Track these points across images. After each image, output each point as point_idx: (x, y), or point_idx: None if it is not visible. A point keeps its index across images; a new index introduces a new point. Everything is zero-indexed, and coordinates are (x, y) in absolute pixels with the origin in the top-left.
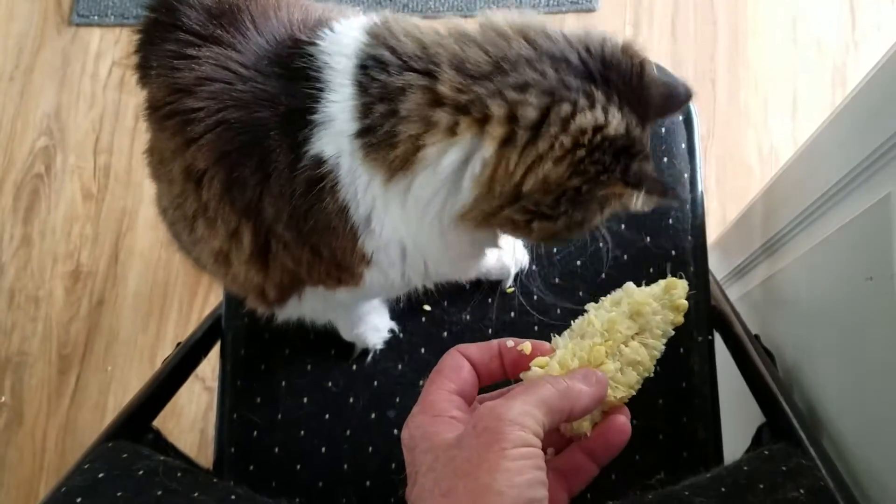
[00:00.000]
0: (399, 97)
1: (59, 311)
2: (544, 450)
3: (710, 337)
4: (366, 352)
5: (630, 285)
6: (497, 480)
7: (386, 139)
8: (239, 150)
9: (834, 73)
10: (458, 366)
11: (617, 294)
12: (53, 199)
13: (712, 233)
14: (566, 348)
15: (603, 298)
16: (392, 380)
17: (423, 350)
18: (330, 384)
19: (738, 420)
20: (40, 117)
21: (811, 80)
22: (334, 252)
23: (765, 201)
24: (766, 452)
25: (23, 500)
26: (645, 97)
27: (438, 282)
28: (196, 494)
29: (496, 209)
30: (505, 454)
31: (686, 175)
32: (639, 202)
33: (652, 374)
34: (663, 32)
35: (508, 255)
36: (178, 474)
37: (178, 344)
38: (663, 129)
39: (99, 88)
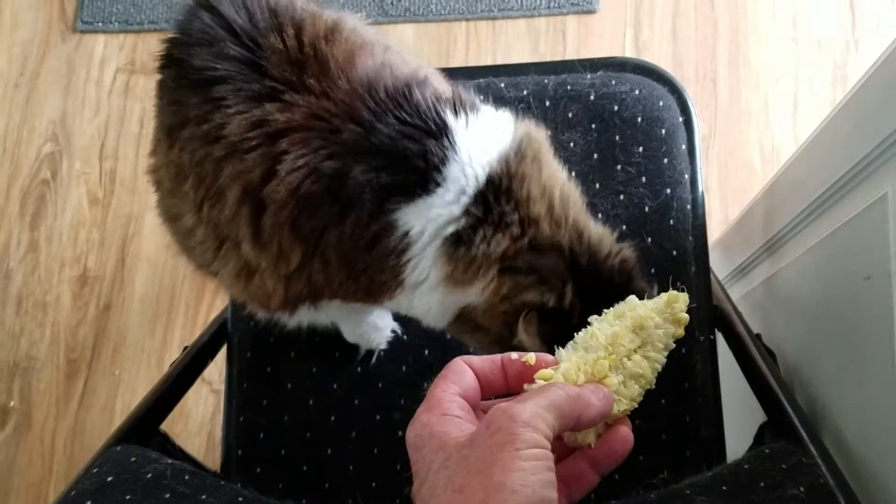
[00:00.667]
0: (495, 235)
1: (66, 316)
2: None
3: (711, 337)
4: (370, 354)
5: (633, 298)
6: (511, 479)
7: (464, 260)
8: (324, 193)
9: (835, 71)
10: (462, 371)
11: (620, 307)
12: (60, 205)
13: (715, 232)
14: (570, 361)
15: (606, 311)
16: (396, 382)
17: (426, 352)
18: (335, 386)
19: (741, 419)
20: (46, 124)
21: (812, 78)
22: (370, 286)
23: (765, 200)
24: (767, 451)
25: (32, 503)
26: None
27: None
28: (204, 497)
29: (460, 326)
30: (519, 454)
31: (686, 176)
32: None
33: (653, 387)
34: (664, 33)
35: None
36: (186, 477)
37: (185, 348)
38: (664, 131)
39: (104, 95)
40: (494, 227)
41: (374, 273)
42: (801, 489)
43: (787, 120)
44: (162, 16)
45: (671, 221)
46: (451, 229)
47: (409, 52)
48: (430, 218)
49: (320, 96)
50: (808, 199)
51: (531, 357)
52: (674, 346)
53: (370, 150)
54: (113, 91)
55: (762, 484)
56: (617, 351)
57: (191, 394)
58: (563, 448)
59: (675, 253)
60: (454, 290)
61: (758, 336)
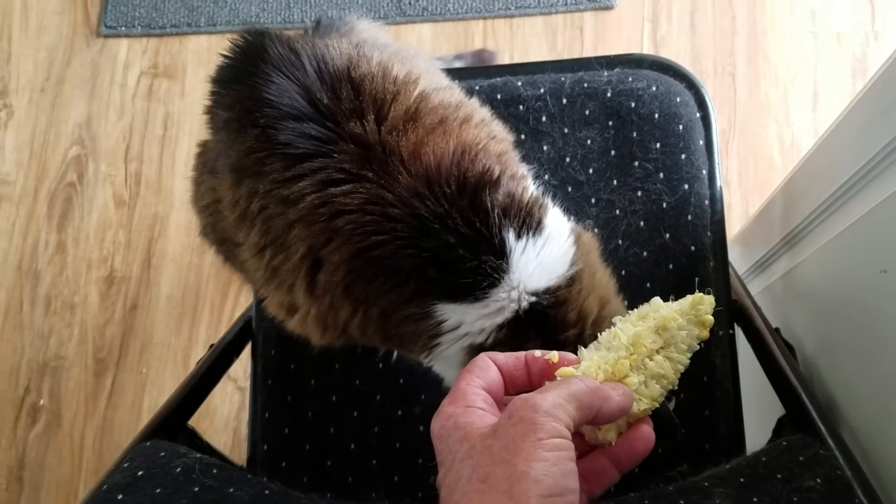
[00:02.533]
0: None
1: (94, 316)
2: None
3: (731, 331)
4: (390, 350)
5: (657, 300)
6: (534, 468)
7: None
8: (378, 266)
9: (854, 64)
10: (486, 366)
11: (644, 308)
12: (86, 207)
13: (736, 226)
14: (591, 360)
15: (630, 312)
16: (417, 378)
17: None
18: (357, 382)
19: (760, 412)
20: (72, 127)
21: (831, 71)
22: (401, 346)
23: (784, 195)
24: (785, 443)
25: (62, 500)
26: None
27: None
28: (231, 490)
29: None
30: (541, 444)
31: (704, 171)
32: None
33: (675, 388)
34: (682, 28)
35: None
36: (214, 471)
37: (211, 346)
38: (681, 127)
39: (128, 98)
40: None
41: (406, 342)
42: (819, 481)
43: (806, 113)
44: (184, 20)
45: (689, 217)
46: (478, 340)
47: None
48: (465, 321)
49: (379, 187)
50: (826, 193)
51: (554, 355)
52: (697, 347)
53: (423, 244)
54: (137, 94)
55: (780, 475)
56: (638, 351)
57: (217, 391)
58: (583, 445)
59: (693, 248)
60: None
61: (777, 330)
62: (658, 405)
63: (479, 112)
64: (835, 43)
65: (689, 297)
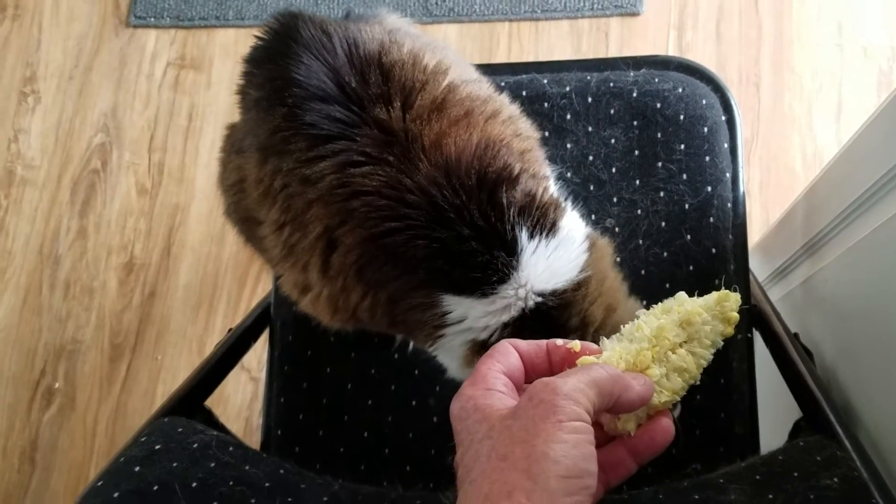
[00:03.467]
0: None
1: (112, 302)
2: None
3: (749, 335)
4: (407, 341)
5: (682, 294)
6: (554, 449)
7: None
8: (387, 252)
9: (880, 77)
10: (507, 352)
11: (668, 302)
12: (109, 194)
13: (755, 236)
14: (613, 350)
15: (654, 306)
16: (431, 369)
17: None
18: (373, 371)
19: (776, 417)
20: (98, 115)
21: (856, 84)
22: (407, 332)
23: (806, 202)
24: (802, 444)
25: (73, 482)
26: None
27: None
28: (247, 468)
29: None
30: (561, 426)
31: (728, 174)
32: None
33: (698, 382)
34: (708, 36)
35: None
36: (230, 448)
37: (230, 330)
38: (706, 129)
39: (154, 88)
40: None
41: (412, 329)
42: (835, 480)
43: (830, 125)
44: (212, 12)
45: (711, 219)
46: (482, 336)
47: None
48: (469, 315)
49: (398, 172)
50: (849, 199)
51: (576, 344)
52: (721, 344)
53: (436, 234)
54: (163, 85)
55: (796, 474)
56: (661, 344)
57: (230, 380)
58: (603, 435)
59: (714, 251)
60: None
61: (795, 335)
62: (678, 399)
63: (508, 108)
64: (861, 56)
65: (714, 294)
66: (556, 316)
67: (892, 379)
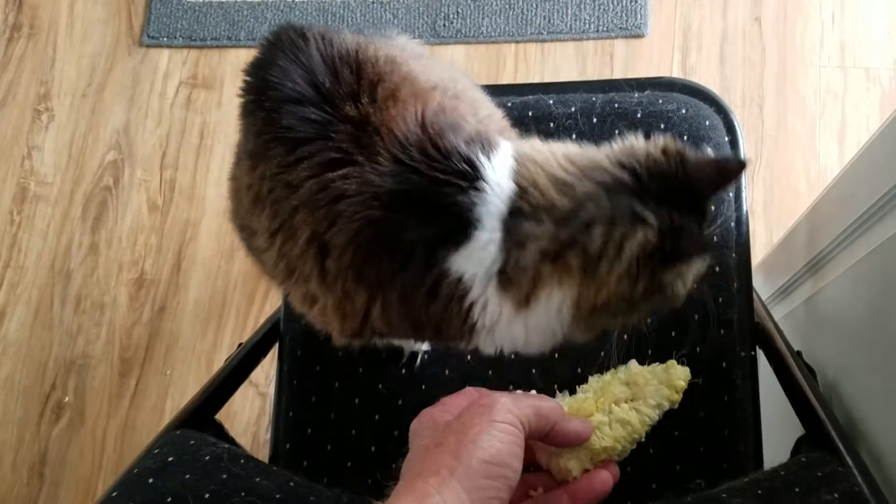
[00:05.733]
0: (525, 246)
1: (122, 317)
2: (534, 488)
3: (752, 353)
4: (414, 356)
5: (633, 362)
6: (482, 439)
7: (516, 281)
8: (380, 241)
9: (882, 98)
10: (471, 394)
11: (620, 368)
12: (120, 211)
13: (758, 256)
14: (562, 399)
15: (607, 372)
16: (439, 384)
17: (468, 357)
18: (380, 386)
19: (779, 433)
20: (110, 133)
21: (860, 106)
22: (440, 334)
23: (809, 221)
24: (804, 459)
25: (81, 497)
26: (693, 185)
27: None
28: (258, 480)
29: (594, 320)
30: (494, 424)
31: (731, 194)
32: (694, 268)
33: (643, 439)
34: (711, 58)
35: None
36: (242, 461)
37: (240, 344)
38: (709, 149)
39: (166, 106)
40: (523, 239)
41: (441, 321)
42: (836, 496)
43: (833, 147)
44: (224, 33)
45: (714, 238)
46: (496, 267)
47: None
48: (477, 260)
49: (366, 170)
50: (851, 218)
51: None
52: (667, 407)
53: (412, 207)
54: (175, 103)
55: (797, 489)
56: (605, 396)
57: (238, 395)
58: (551, 482)
59: (717, 269)
60: (534, 311)
61: (798, 353)
62: (620, 448)
63: (480, 96)
64: (863, 78)
65: (664, 364)
66: (527, 199)
67: (894, 396)
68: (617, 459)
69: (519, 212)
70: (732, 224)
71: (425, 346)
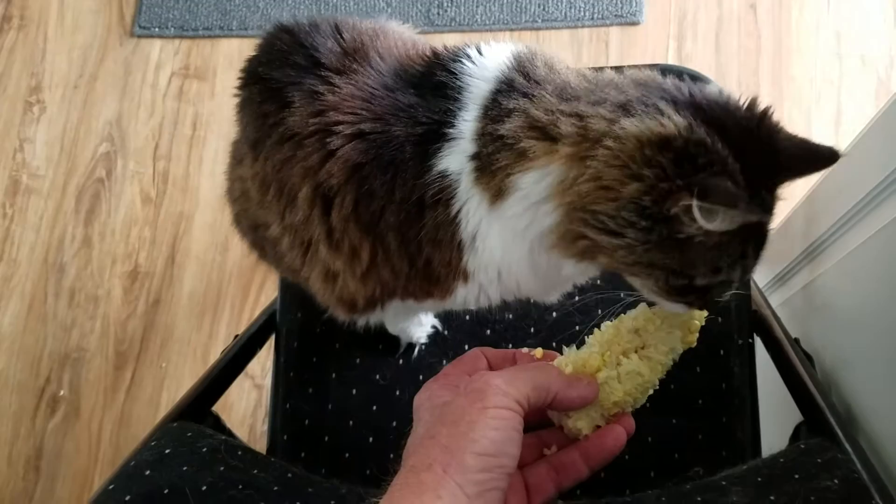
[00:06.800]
0: (505, 120)
1: (116, 310)
2: (548, 446)
3: (750, 340)
4: (411, 346)
5: (642, 306)
6: (474, 430)
7: (489, 165)
8: (373, 162)
9: (878, 86)
10: (476, 357)
11: (630, 312)
12: (114, 203)
13: None
14: (568, 356)
15: (616, 319)
16: (437, 374)
17: (466, 347)
18: (377, 377)
19: (777, 421)
20: (102, 124)
21: (855, 93)
22: (432, 265)
23: (806, 209)
24: (803, 446)
25: (78, 490)
26: (776, 153)
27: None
28: (256, 472)
29: (575, 231)
30: (486, 412)
31: None
32: (710, 217)
33: (656, 387)
34: (707, 46)
35: None
36: (239, 453)
37: (236, 336)
38: None
39: (158, 97)
40: (506, 114)
41: (434, 246)
42: (836, 482)
43: (829, 134)
44: (216, 23)
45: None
46: (472, 148)
47: None
48: (460, 150)
49: (362, 74)
50: (848, 205)
51: (538, 351)
52: (681, 350)
53: (400, 111)
54: (167, 94)
55: (797, 476)
56: (612, 349)
57: (234, 387)
58: (564, 439)
59: None
60: (509, 203)
61: (796, 340)
62: (633, 401)
63: None
64: (859, 65)
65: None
66: (529, 72)
67: (892, 382)
68: (630, 410)
69: (510, 86)
70: None
71: (423, 339)
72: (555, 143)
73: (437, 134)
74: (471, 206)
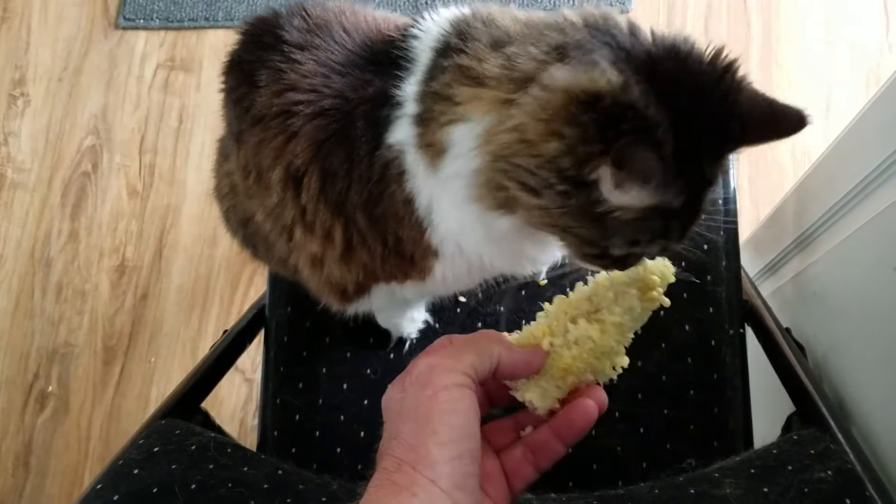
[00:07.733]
0: (439, 76)
1: (104, 305)
2: (524, 427)
3: (741, 330)
4: (402, 341)
5: (600, 274)
6: (431, 420)
7: (426, 122)
8: (332, 139)
9: (868, 74)
10: (442, 346)
11: (583, 285)
12: (100, 197)
13: (745, 231)
14: (510, 337)
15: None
16: None
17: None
18: (368, 371)
19: (769, 411)
20: (87, 117)
21: (845, 81)
22: (402, 243)
23: (796, 198)
24: (796, 437)
25: (68, 487)
26: (722, 109)
27: (496, 276)
28: (245, 469)
29: (496, 182)
30: (436, 397)
31: None
32: (623, 190)
33: (615, 352)
34: (696, 33)
35: None
36: (229, 450)
37: (225, 331)
38: None
39: (144, 90)
40: (441, 71)
41: (398, 224)
42: (829, 473)
43: (818, 122)
44: (202, 14)
45: (702, 217)
46: (414, 111)
47: None
48: (407, 120)
49: (324, 49)
50: (838, 195)
51: (504, 335)
52: (640, 310)
53: (359, 82)
54: (153, 86)
55: (790, 467)
56: (559, 318)
57: (224, 382)
58: (538, 419)
59: (706, 247)
60: (446, 162)
61: (787, 330)
62: (593, 367)
63: None
64: (849, 52)
65: (637, 267)
66: (465, 31)
67: (885, 372)
68: (594, 380)
69: (447, 47)
70: (720, 202)
71: (413, 333)
72: (482, 88)
73: (385, 106)
74: (419, 175)
